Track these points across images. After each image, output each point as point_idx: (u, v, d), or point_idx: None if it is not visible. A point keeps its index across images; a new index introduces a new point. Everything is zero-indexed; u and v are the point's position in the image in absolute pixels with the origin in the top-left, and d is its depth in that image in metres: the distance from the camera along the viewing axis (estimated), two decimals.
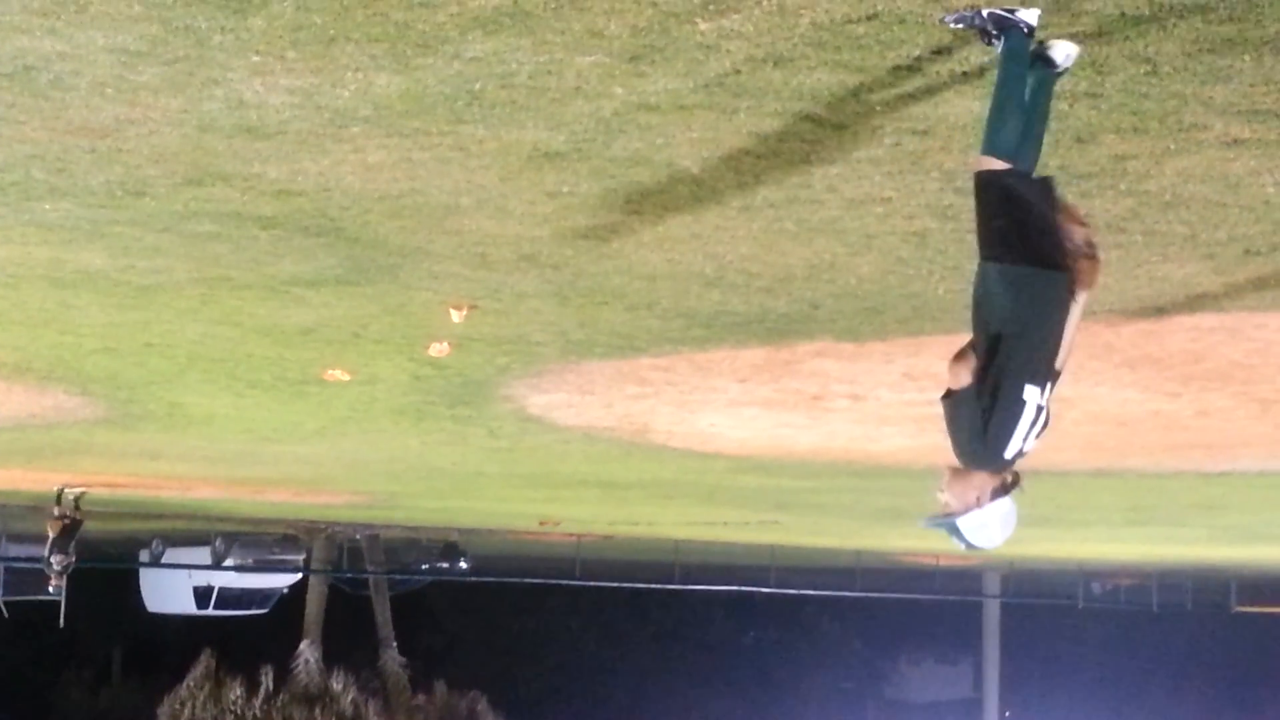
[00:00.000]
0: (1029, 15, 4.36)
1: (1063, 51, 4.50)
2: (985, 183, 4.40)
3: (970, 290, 4.47)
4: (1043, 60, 4.50)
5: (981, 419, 4.27)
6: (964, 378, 4.32)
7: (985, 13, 4.36)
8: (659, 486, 18.64)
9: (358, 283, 8.30)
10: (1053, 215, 4.38)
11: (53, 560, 21.08)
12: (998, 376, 4.26)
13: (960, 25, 4.45)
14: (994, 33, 4.38)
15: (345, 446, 15.53)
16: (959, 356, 4.38)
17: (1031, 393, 4.28)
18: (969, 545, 4.47)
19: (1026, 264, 4.30)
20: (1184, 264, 7.06)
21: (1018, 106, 4.40)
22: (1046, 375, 4.33)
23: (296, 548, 34.38)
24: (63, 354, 10.89)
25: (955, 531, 4.44)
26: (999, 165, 4.37)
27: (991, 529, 4.42)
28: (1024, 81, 4.42)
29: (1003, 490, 4.40)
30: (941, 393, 4.42)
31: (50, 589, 21.82)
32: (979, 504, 4.38)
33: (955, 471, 4.42)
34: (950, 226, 6.57)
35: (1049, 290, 4.32)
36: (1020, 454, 4.36)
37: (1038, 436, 4.37)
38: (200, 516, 29.13)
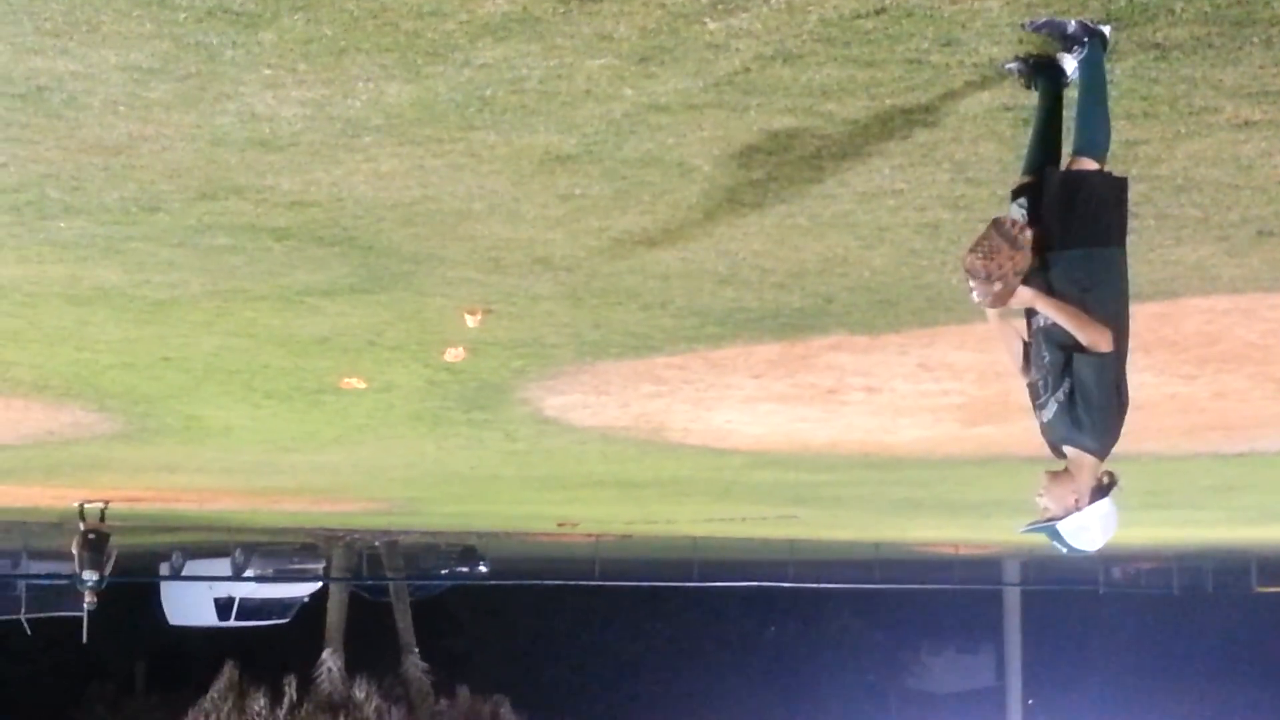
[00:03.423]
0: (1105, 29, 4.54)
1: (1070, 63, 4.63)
2: (1075, 179, 4.58)
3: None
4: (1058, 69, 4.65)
5: (1117, 391, 4.42)
6: (1104, 345, 4.44)
7: (1074, 23, 4.47)
8: (676, 484, 18.64)
9: (372, 291, 8.32)
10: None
11: (85, 576, 21.02)
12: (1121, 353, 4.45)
13: (1044, 32, 4.54)
14: (1083, 39, 4.50)
15: (362, 454, 15.55)
16: (1087, 322, 4.46)
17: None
18: (1070, 549, 4.46)
19: (1111, 245, 4.58)
20: (1197, 247, 7.06)
21: (1104, 109, 4.59)
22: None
23: (316, 556, 34.45)
24: (80, 370, 10.93)
25: (1056, 536, 4.44)
26: (1090, 165, 4.58)
27: (1093, 531, 4.42)
28: (1106, 87, 4.59)
29: (1101, 491, 4.41)
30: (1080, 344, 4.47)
31: (86, 605, 21.79)
32: (1078, 506, 4.39)
33: (1053, 475, 4.44)
34: (962, 217, 6.58)
35: (1123, 267, 4.61)
36: None
37: None
38: (219, 528, 29.19)
